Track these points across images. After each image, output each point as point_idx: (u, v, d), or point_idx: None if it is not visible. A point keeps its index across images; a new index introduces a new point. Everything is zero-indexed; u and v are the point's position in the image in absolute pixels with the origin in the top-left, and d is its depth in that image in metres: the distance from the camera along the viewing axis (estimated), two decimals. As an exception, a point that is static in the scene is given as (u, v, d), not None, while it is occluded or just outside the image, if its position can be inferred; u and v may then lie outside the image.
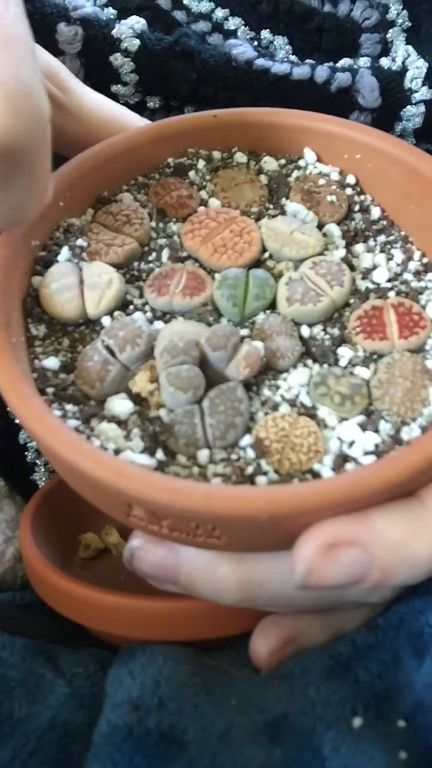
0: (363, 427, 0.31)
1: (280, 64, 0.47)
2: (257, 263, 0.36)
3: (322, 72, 0.47)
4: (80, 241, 0.36)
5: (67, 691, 0.35)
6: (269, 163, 0.40)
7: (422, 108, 0.49)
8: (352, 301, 0.35)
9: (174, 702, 0.33)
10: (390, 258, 0.37)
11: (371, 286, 0.36)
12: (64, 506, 0.43)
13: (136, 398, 0.32)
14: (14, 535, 0.44)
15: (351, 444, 0.31)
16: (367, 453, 0.30)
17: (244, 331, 0.34)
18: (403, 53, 0.49)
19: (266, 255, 0.36)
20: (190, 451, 0.30)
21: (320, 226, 0.37)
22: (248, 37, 0.50)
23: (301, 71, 0.47)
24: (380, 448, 0.30)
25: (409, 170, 0.37)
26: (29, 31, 0.27)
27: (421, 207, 0.37)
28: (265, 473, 0.30)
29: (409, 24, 0.50)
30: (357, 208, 0.39)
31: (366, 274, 0.36)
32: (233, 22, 0.50)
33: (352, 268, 0.36)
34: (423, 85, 0.48)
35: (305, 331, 0.34)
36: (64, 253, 0.35)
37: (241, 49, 0.47)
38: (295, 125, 0.40)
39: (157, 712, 0.33)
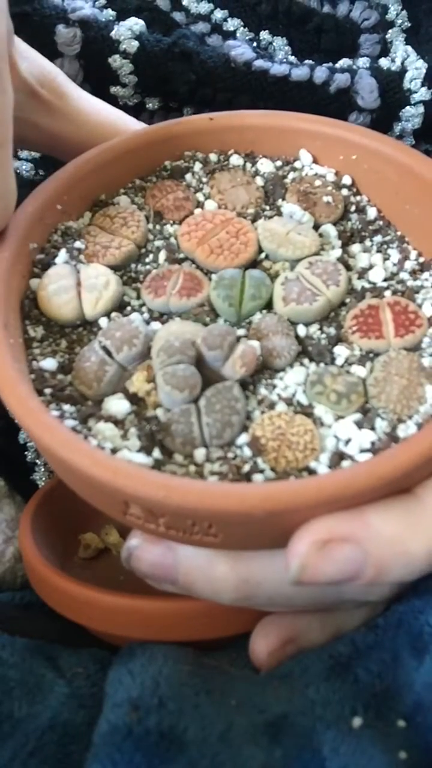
0: (359, 424, 0.31)
1: (279, 65, 0.47)
2: (254, 264, 0.36)
3: (321, 73, 0.47)
4: (78, 244, 0.36)
5: (67, 691, 0.35)
6: (265, 165, 0.40)
7: (421, 109, 0.49)
8: (348, 300, 0.35)
9: (174, 702, 0.33)
10: (386, 258, 0.37)
11: (367, 285, 0.36)
12: (64, 506, 0.43)
13: (133, 398, 0.32)
14: (14, 535, 0.44)
15: (347, 442, 0.31)
16: (363, 451, 0.30)
17: (241, 331, 0.34)
18: (402, 54, 0.49)
19: (262, 256, 0.37)
20: (186, 450, 0.30)
21: (316, 227, 0.38)
22: (247, 38, 0.50)
23: (300, 72, 0.47)
24: (376, 445, 0.30)
25: (405, 171, 0.37)
26: None
27: (417, 207, 0.37)
28: (261, 471, 0.30)
29: (409, 24, 0.50)
30: (353, 208, 0.39)
31: (362, 273, 0.36)
32: (232, 23, 0.50)
33: (349, 268, 0.36)
34: (422, 85, 0.48)
35: (301, 330, 0.34)
36: (62, 255, 0.36)
37: (240, 50, 0.47)
38: (290, 127, 0.40)
39: (157, 712, 0.33)
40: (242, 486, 0.29)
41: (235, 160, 0.40)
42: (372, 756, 0.31)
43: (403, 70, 0.49)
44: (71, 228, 0.37)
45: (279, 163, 0.41)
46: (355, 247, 0.37)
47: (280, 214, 0.38)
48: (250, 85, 0.47)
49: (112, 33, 0.47)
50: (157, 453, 0.30)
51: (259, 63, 0.47)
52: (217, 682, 0.35)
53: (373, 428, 0.31)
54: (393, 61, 0.50)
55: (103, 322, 0.34)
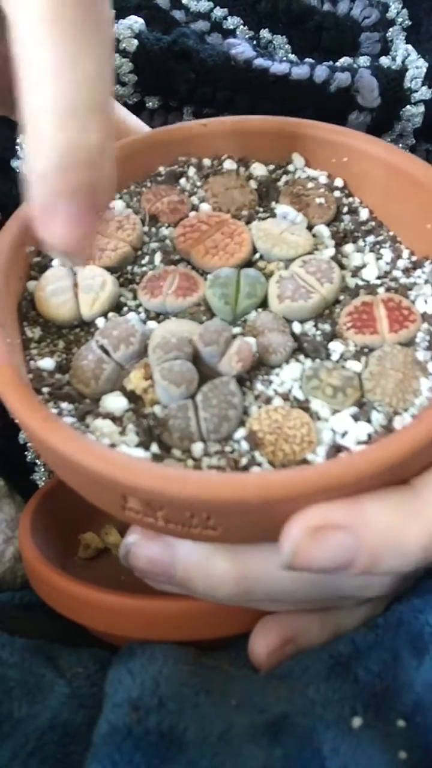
0: (355, 417, 0.31)
1: (279, 64, 0.47)
2: (248, 264, 0.37)
3: (321, 72, 0.47)
4: (74, 247, 0.37)
5: (67, 691, 0.35)
6: (258, 169, 0.41)
7: (422, 108, 0.49)
8: (342, 298, 0.36)
9: (174, 702, 0.33)
10: (379, 257, 0.37)
11: (361, 283, 0.36)
12: (64, 506, 0.43)
13: (131, 396, 0.32)
14: (14, 535, 0.44)
15: (344, 434, 0.31)
16: (359, 443, 0.30)
17: (237, 329, 0.34)
18: (403, 52, 0.49)
19: (257, 256, 0.37)
20: (184, 445, 0.31)
21: (310, 228, 0.38)
22: (247, 36, 0.49)
23: (300, 71, 0.47)
24: (373, 437, 0.30)
25: (393, 170, 0.38)
26: None
27: (407, 206, 0.38)
28: (259, 464, 0.30)
29: (409, 23, 0.50)
30: (345, 210, 0.39)
31: (356, 272, 0.37)
32: (232, 22, 0.49)
33: (342, 266, 0.37)
34: (423, 84, 0.48)
35: (297, 327, 0.34)
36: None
37: (240, 48, 0.47)
38: (283, 132, 0.40)
39: (157, 712, 0.33)
40: (239, 475, 0.29)
41: (229, 164, 0.41)
42: (372, 756, 0.31)
43: (403, 69, 0.49)
44: (68, 231, 0.37)
45: (272, 166, 0.41)
46: (349, 247, 0.38)
47: (273, 215, 0.39)
48: (250, 83, 0.47)
49: None
50: (155, 448, 0.30)
51: (260, 61, 0.47)
52: (217, 682, 0.35)
53: (369, 421, 0.31)
54: (393, 59, 0.49)
55: (100, 322, 0.35)
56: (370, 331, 0.34)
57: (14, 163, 0.49)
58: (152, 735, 0.32)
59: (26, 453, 0.49)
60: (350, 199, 0.40)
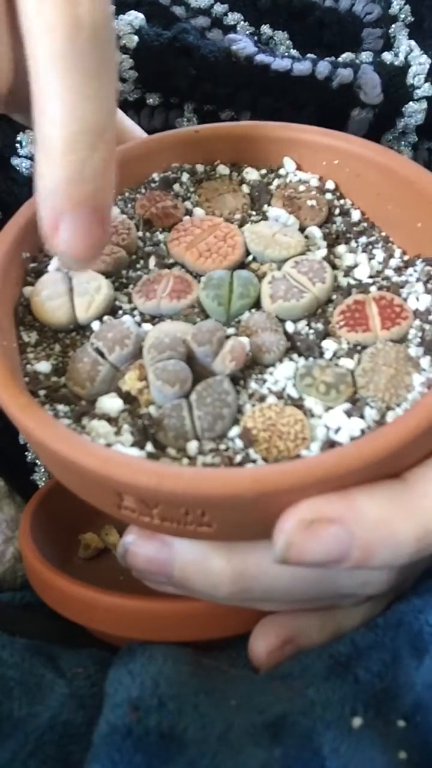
0: (349, 414, 0.31)
1: (280, 60, 0.46)
2: (241, 266, 0.37)
3: (323, 68, 0.47)
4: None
5: (67, 691, 0.35)
6: (251, 174, 0.41)
7: (424, 104, 0.49)
8: (334, 297, 0.36)
9: (174, 702, 0.33)
10: (371, 257, 0.38)
11: (353, 282, 0.37)
12: (64, 506, 0.43)
13: (126, 397, 0.33)
14: (14, 535, 0.45)
15: (337, 430, 0.31)
16: (353, 438, 0.31)
17: (231, 330, 0.34)
18: (405, 48, 0.49)
19: (250, 258, 0.37)
20: (179, 444, 0.31)
21: (302, 230, 0.38)
22: (248, 32, 0.49)
23: (302, 67, 0.46)
24: (366, 433, 0.31)
25: (384, 171, 0.38)
26: None
27: (398, 207, 0.38)
28: (253, 461, 0.30)
29: (412, 19, 0.50)
30: (337, 211, 0.40)
31: (348, 272, 0.37)
32: (233, 17, 0.49)
33: (334, 266, 0.37)
34: (425, 81, 0.48)
35: (290, 326, 0.35)
36: (54, 263, 0.36)
37: (242, 44, 0.46)
38: (274, 137, 0.41)
39: (157, 712, 0.33)
40: (233, 470, 0.29)
41: (222, 169, 0.41)
42: (372, 756, 0.31)
43: (406, 65, 0.48)
44: (63, 238, 0.38)
45: (264, 171, 0.42)
46: (341, 248, 0.38)
47: (266, 218, 0.39)
48: (251, 79, 0.47)
49: None
50: (150, 447, 0.31)
51: (261, 57, 0.46)
52: (216, 683, 0.35)
53: (362, 416, 0.31)
54: (396, 55, 0.49)
55: (95, 326, 0.35)
56: (363, 329, 0.34)
57: (14, 161, 0.49)
58: (152, 735, 0.32)
59: (26, 453, 0.49)
60: (342, 201, 0.40)
